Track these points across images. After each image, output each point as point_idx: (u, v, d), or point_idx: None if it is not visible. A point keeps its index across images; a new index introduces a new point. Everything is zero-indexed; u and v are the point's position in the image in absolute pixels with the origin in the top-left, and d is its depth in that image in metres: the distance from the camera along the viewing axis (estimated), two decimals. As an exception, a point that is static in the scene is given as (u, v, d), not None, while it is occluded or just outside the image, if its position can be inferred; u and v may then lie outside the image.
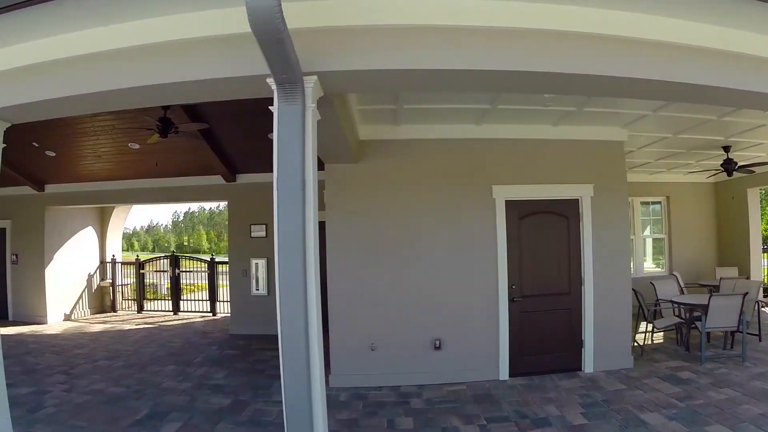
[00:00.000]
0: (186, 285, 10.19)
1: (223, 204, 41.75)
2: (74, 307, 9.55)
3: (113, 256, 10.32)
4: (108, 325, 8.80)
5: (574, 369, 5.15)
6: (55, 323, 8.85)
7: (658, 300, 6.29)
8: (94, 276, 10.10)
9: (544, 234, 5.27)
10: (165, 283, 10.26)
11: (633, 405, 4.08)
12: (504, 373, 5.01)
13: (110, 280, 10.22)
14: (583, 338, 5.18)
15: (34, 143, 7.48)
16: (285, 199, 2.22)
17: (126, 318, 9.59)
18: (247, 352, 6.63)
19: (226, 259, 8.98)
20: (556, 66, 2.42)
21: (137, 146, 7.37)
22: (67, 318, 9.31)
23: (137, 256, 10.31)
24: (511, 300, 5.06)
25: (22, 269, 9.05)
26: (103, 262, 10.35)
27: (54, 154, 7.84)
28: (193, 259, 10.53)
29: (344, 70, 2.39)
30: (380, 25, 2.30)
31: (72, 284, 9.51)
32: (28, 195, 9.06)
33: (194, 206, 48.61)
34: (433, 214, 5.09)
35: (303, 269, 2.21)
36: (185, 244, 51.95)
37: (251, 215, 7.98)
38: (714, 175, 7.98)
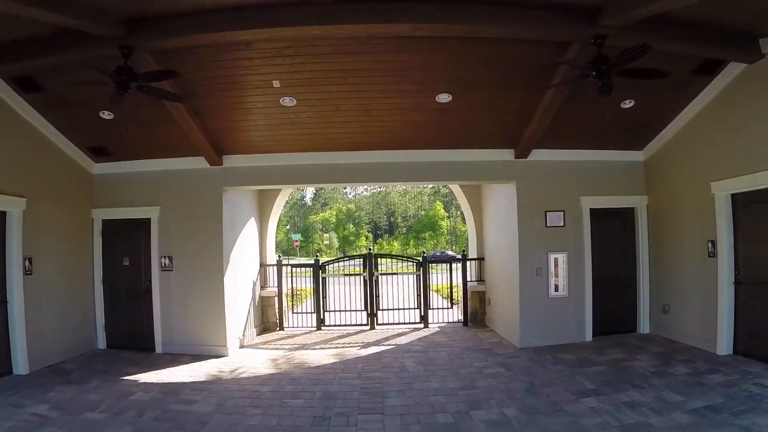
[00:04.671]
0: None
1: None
2: (245, 327, 6.84)
3: (279, 256, 7.67)
4: (323, 351, 6.34)
5: None
6: (235, 354, 6.20)
7: None
8: (256, 283, 7.39)
9: None
10: (357, 290, 7.78)
11: None
12: None
13: (275, 289, 7.53)
14: None
15: (275, 82, 5.04)
16: None
17: (320, 338, 7.03)
18: (616, 367, 5.11)
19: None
20: None
21: (449, 98, 5.32)
22: (241, 344, 6.62)
23: (316, 257, 7.80)
24: None
25: (179, 278, 6.18)
26: (263, 265, 7.61)
27: (293, 103, 5.37)
28: (395, 257, 8.27)
29: None
30: None
31: (240, 297, 6.79)
32: (192, 171, 6.24)
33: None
34: None
35: None
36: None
37: (546, 200, 6.40)
38: None
